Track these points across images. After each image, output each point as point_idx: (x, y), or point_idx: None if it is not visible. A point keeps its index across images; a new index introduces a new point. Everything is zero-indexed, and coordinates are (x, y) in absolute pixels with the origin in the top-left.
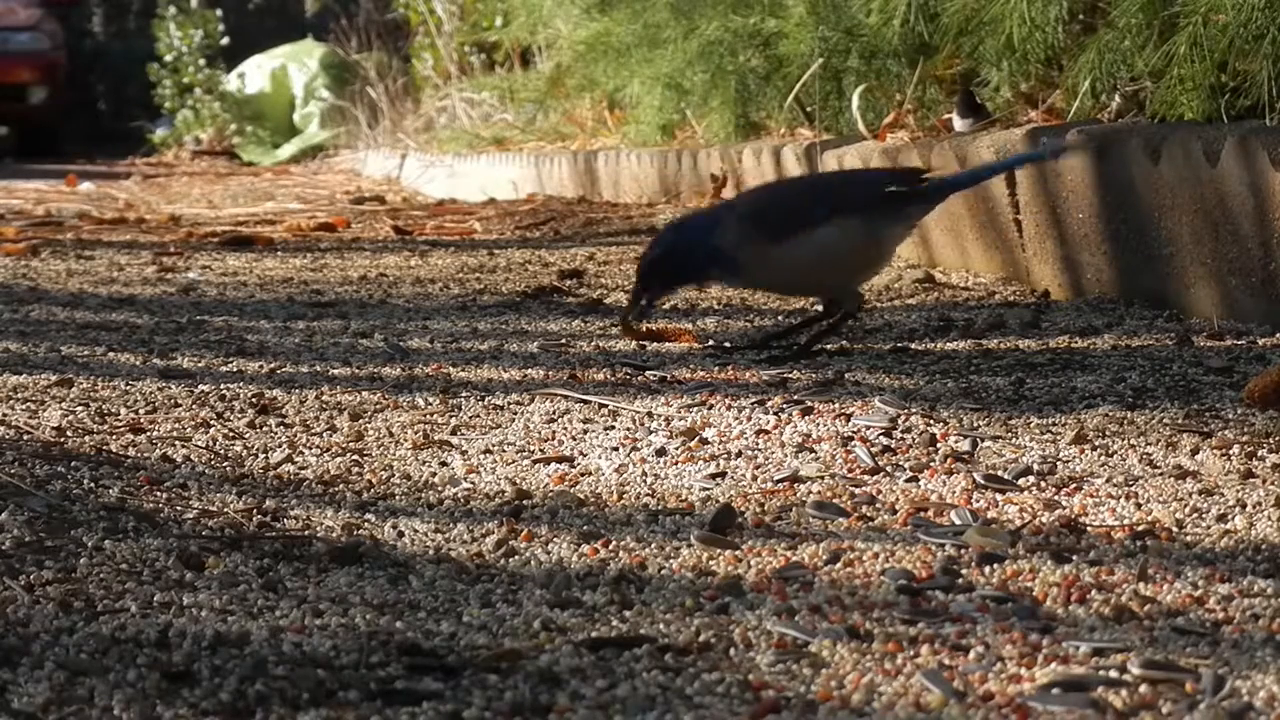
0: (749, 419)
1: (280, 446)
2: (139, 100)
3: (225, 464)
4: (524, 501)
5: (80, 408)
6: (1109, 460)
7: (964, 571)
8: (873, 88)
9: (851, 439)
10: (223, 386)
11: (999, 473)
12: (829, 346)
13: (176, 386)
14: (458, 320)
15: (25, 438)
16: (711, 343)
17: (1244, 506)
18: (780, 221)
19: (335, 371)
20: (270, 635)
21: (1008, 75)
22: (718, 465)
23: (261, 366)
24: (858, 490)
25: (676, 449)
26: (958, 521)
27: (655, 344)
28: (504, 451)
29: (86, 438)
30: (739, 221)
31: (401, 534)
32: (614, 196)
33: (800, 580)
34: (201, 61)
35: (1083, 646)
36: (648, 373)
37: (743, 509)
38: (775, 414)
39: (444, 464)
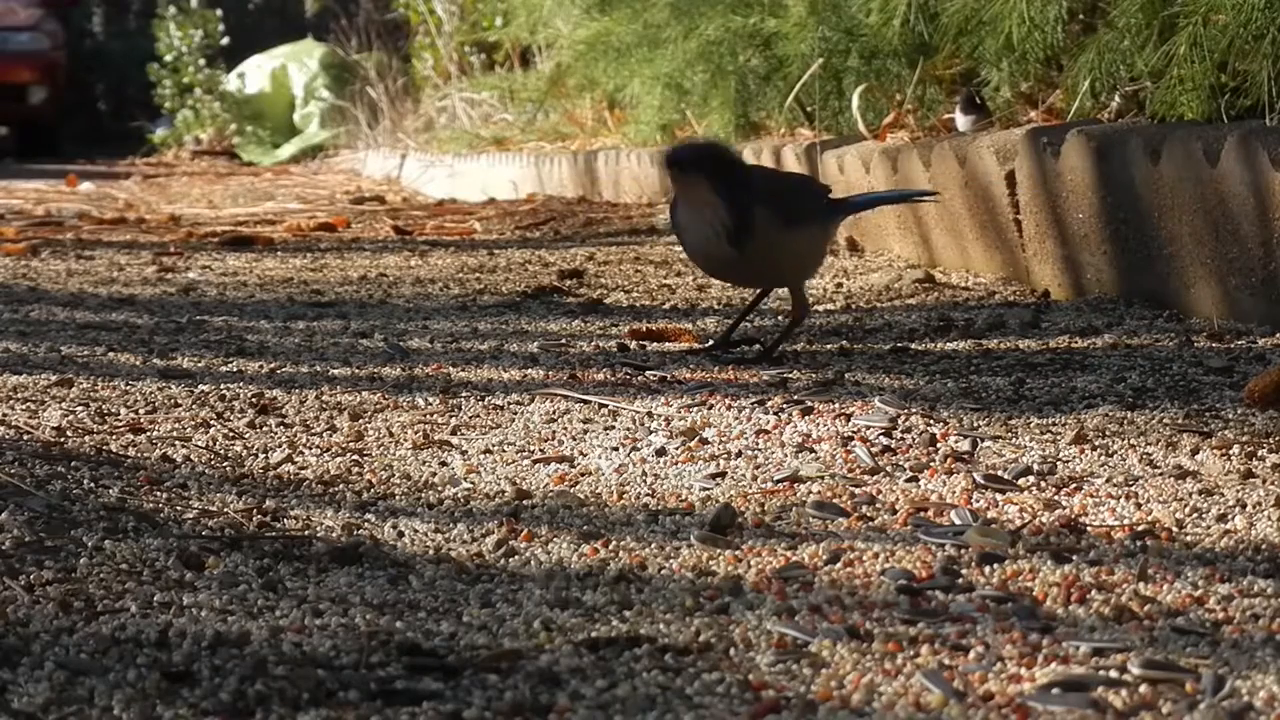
0: (749, 419)
1: (280, 446)
2: (139, 100)
3: (225, 464)
4: (524, 501)
5: (80, 408)
6: (1109, 460)
7: (964, 571)
8: (873, 88)
9: (851, 439)
10: (223, 386)
11: (999, 473)
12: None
13: (176, 386)
14: (458, 320)
15: (25, 438)
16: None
17: (1244, 506)
18: (793, 209)
19: (335, 371)
20: (270, 635)
21: (1007, 75)
22: (718, 465)
23: (261, 366)
24: (858, 490)
25: (676, 449)
26: (958, 521)
27: (655, 344)
28: (504, 451)
29: (86, 438)
30: (753, 196)
31: (401, 534)
32: (614, 196)
33: (800, 580)
34: (201, 61)
35: (1083, 646)
36: (648, 373)
37: (743, 509)
38: (775, 414)
39: (444, 464)
